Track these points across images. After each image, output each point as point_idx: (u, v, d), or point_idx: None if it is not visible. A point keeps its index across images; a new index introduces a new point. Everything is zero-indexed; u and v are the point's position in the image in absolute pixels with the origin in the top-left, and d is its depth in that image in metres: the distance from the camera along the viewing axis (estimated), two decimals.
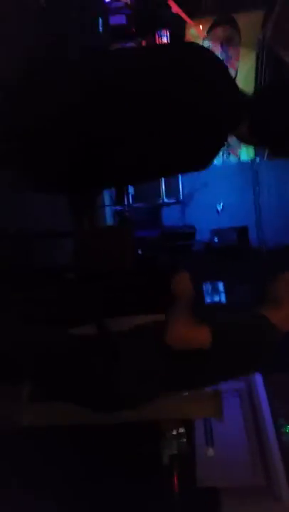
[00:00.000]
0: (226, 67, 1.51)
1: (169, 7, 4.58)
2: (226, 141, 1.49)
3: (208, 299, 3.78)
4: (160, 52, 1.52)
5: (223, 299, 3.83)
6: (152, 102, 1.36)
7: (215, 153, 1.49)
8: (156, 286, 1.82)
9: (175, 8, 4.59)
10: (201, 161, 1.50)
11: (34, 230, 2.72)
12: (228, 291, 3.76)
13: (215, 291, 3.80)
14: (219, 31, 5.11)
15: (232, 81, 1.47)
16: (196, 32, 5.04)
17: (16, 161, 1.46)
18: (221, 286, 3.82)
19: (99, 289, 1.87)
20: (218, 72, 1.45)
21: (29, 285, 2.43)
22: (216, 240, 3.96)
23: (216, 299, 3.81)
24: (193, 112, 1.38)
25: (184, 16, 4.68)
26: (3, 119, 1.44)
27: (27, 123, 1.40)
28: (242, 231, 4.08)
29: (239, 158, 4.99)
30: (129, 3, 4.42)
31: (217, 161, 5.05)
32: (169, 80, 1.38)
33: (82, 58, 1.55)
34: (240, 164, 4.87)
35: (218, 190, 4.41)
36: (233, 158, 5.02)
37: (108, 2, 4.27)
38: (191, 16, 4.85)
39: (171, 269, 1.81)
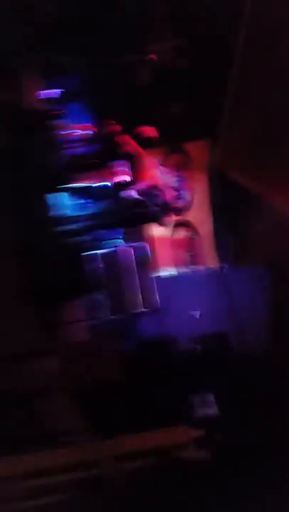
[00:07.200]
0: None
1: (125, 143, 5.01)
2: None
3: (199, 413, 3.51)
4: None
5: (214, 411, 3.57)
6: None
7: None
8: None
9: (131, 145, 5.00)
10: None
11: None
12: (218, 401, 3.53)
13: (205, 403, 3.56)
14: (171, 159, 5.64)
15: None
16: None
17: None
18: (210, 397, 3.59)
19: None
20: None
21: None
22: (198, 347, 3.84)
23: (208, 411, 3.54)
24: None
25: (138, 150, 5.12)
26: None
27: None
28: (222, 337, 4.00)
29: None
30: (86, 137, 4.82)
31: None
32: None
33: None
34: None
35: (191, 297, 4.41)
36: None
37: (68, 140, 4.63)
38: (145, 146, 5.35)
39: None
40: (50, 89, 4.24)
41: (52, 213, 3.53)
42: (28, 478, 2.01)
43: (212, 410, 3.49)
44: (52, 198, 3.61)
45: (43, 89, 4.05)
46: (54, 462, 2.09)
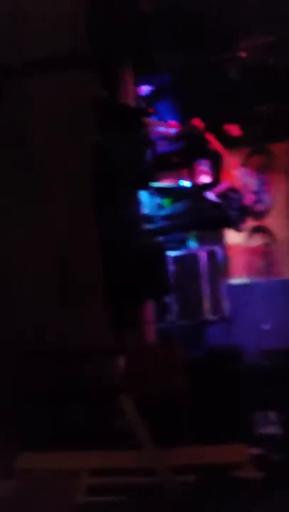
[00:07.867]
0: None
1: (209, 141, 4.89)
2: None
3: (260, 431, 3.37)
4: None
5: (277, 430, 3.42)
6: None
7: None
8: None
9: (214, 143, 4.88)
10: None
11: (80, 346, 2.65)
12: (283, 421, 3.37)
13: (268, 421, 3.42)
14: (254, 160, 5.44)
15: None
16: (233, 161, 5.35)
17: None
18: (273, 415, 3.45)
19: None
20: None
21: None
22: (265, 362, 3.69)
23: (269, 430, 3.40)
24: None
25: (221, 149, 4.98)
26: None
27: None
28: None
29: None
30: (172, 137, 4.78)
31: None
32: None
33: None
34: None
35: (263, 308, 4.25)
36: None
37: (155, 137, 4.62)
38: (228, 147, 5.20)
39: None
40: (142, 86, 4.25)
41: (139, 211, 3.53)
42: (88, 474, 2.05)
43: (275, 429, 3.35)
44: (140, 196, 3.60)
45: (137, 87, 4.08)
46: (111, 463, 2.12)
